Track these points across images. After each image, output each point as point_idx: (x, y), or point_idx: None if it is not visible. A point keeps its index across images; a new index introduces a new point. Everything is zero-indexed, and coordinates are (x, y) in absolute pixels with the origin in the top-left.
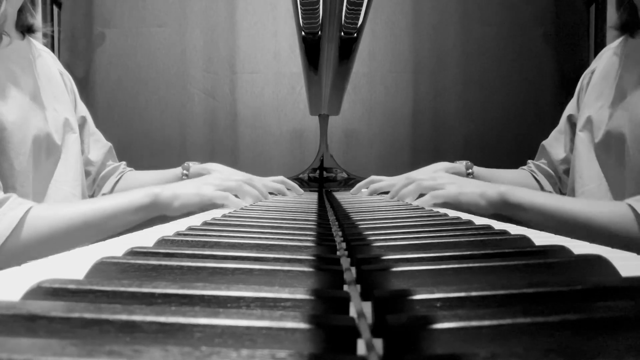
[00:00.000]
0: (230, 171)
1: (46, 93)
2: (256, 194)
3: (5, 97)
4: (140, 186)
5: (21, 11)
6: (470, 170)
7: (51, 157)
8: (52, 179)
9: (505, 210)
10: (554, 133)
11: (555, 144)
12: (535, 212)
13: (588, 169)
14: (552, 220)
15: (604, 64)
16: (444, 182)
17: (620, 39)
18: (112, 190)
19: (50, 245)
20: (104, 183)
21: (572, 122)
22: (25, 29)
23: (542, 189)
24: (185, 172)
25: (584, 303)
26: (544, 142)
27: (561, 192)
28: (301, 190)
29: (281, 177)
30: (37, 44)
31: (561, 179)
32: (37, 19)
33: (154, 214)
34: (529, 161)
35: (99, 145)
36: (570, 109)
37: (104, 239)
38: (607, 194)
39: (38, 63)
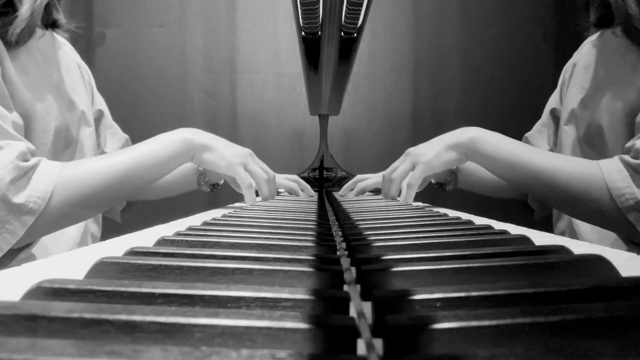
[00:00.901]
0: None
1: (66, 86)
2: (293, 186)
3: (33, 87)
4: (160, 182)
5: (47, 5)
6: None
7: (67, 150)
8: None
9: (476, 159)
10: (537, 126)
11: (538, 136)
12: (505, 163)
13: None
14: (524, 175)
15: (584, 57)
16: (408, 164)
17: (598, 32)
18: None
19: (92, 201)
20: None
21: (554, 116)
22: (50, 23)
23: None
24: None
25: (583, 303)
26: (527, 135)
27: None
28: (312, 192)
29: (295, 176)
30: (57, 36)
31: None
32: (61, 15)
33: (186, 160)
34: None
35: (115, 139)
36: (552, 102)
37: (142, 188)
38: None
39: (60, 55)
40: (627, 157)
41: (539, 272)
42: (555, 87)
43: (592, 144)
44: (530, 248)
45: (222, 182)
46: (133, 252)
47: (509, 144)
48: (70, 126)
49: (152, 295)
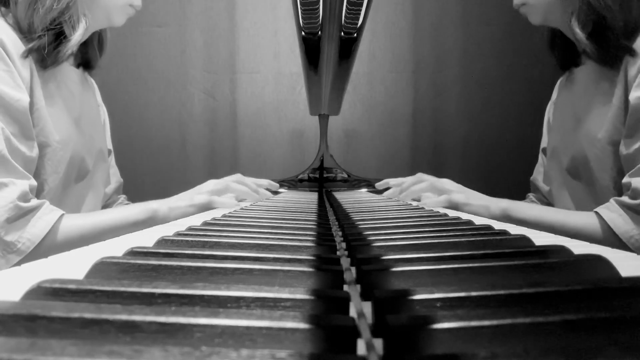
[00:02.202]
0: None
1: (87, 121)
2: (245, 190)
3: (56, 116)
4: None
5: (85, 44)
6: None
7: (81, 182)
8: (84, 204)
9: (507, 223)
10: (536, 168)
11: (539, 178)
12: (537, 226)
13: (559, 195)
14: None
15: (559, 96)
16: (452, 188)
17: (568, 72)
18: None
19: (73, 247)
20: None
21: (545, 154)
22: (83, 62)
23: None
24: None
25: (583, 303)
26: (531, 178)
27: None
28: (276, 186)
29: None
30: (87, 76)
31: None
32: (97, 58)
33: (149, 227)
34: (529, 194)
35: (114, 180)
36: (543, 142)
37: None
38: None
39: (85, 91)
40: (623, 199)
41: (539, 272)
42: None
43: (578, 175)
44: (530, 248)
45: None
46: (133, 252)
47: (541, 209)
48: (86, 158)
49: (152, 295)
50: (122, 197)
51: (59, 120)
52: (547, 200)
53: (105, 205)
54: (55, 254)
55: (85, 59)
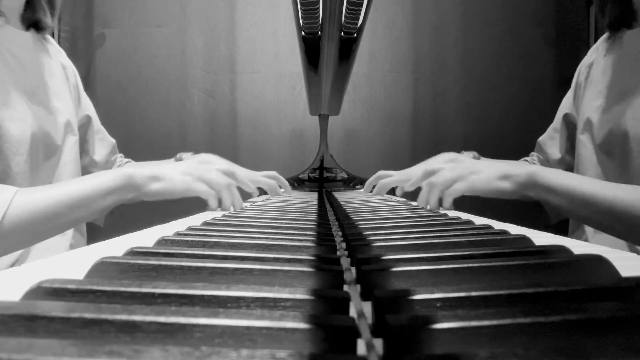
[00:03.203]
0: (222, 162)
1: (48, 91)
2: (228, 205)
3: (3, 91)
4: None
5: (30, 3)
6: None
7: (51, 159)
8: (48, 180)
9: (532, 192)
10: (549, 131)
11: (550, 142)
12: (567, 196)
13: (590, 173)
14: (586, 207)
15: (601, 59)
16: (456, 174)
17: (615, 34)
18: None
19: (28, 234)
20: None
21: (568, 121)
22: (32, 23)
23: None
24: None
25: (584, 303)
26: (540, 139)
27: None
28: (290, 189)
29: (273, 173)
30: (43, 36)
31: None
32: (48, 18)
33: (127, 195)
34: (533, 153)
35: (104, 144)
36: (566, 106)
37: (83, 223)
38: None
39: (41, 58)
40: None
41: (539, 272)
42: (555, 87)
43: (612, 153)
44: (530, 248)
45: None
46: (133, 252)
47: (571, 177)
48: (51, 134)
49: (152, 295)
50: (119, 156)
51: (8, 95)
52: (548, 166)
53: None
54: (23, 234)
55: (34, 20)
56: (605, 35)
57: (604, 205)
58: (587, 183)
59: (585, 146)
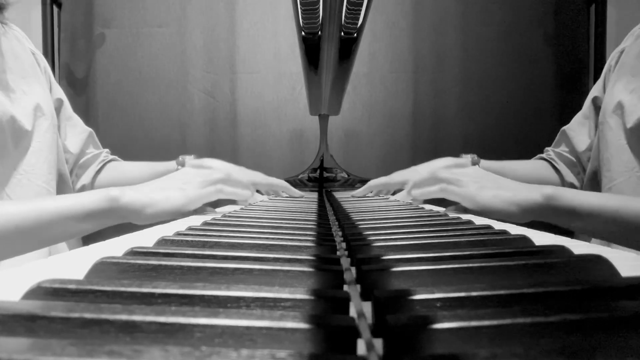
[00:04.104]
0: (229, 168)
1: (12, 74)
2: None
3: None
4: (126, 179)
5: None
6: (476, 166)
7: (20, 145)
8: (20, 168)
9: (548, 217)
10: (577, 117)
11: (579, 129)
12: (593, 217)
13: (617, 159)
14: (617, 227)
15: (634, 44)
16: (467, 180)
17: None
18: (92, 181)
19: None
20: (83, 173)
21: (596, 105)
22: None
23: (562, 180)
24: (180, 167)
25: (583, 303)
26: (565, 128)
27: (583, 183)
28: (298, 194)
29: (285, 184)
30: (7, 24)
31: (585, 169)
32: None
33: (114, 221)
34: (548, 149)
35: (76, 131)
36: (595, 90)
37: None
38: (637, 189)
39: (2, 41)
40: None
41: (539, 272)
42: (555, 87)
43: None
44: (530, 248)
45: None
46: (133, 252)
47: (591, 195)
48: (19, 118)
49: (152, 295)
50: (105, 152)
51: None
52: (573, 160)
53: (82, 164)
54: None
55: None
56: (636, 27)
57: (635, 217)
58: (611, 198)
59: (613, 130)
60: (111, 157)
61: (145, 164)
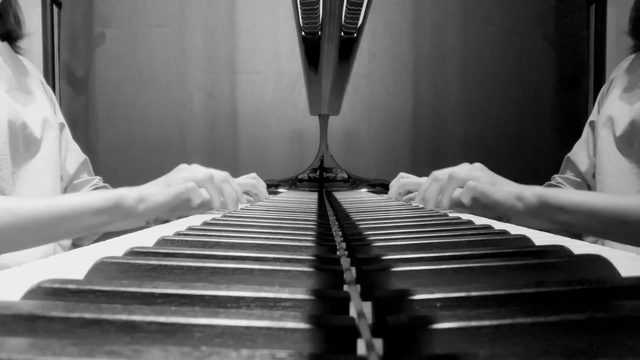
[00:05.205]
0: (200, 168)
1: (23, 90)
2: (216, 200)
3: None
4: None
5: (2, 15)
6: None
7: (29, 150)
8: (30, 170)
9: (544, 213)
10: (578, 143)
11: (579, 151)
12: (579, 213)
13: (608, 163)
14: (601, 221)
15: (623, 73)
16: (478, 175)
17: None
18: None
19: (8, 240)
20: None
21: (593, 127)
22: (3, 34)
23: None
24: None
25: (584, 303)
26: (569, 154)
27: None
28: (266, 195)
29: (253, 174)
30: (21, 57)
31: (590, 187)
32: (20, 28)
33: (117, 218)
34: (555, 176)
35: (74, 155)
36: (592, 116)
37: (69, 239)
38: (626, 187)
39: (18, 64)
40: None
41: (539, 272)
42: (555, 87)
43: (631, 141)
44: (530, 248)
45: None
46: (133, 252)
47: (580, 193)
48: (29, 124)
49: (152, 295)
50: (97, 179)
51: None
52: (579, 180)
53: (75, 186)
54: (3, 239)
55: (7, 30)
56: (625, 59)
57: (621, 213)
58: (598, 196)
59: (604, 140)
60: (102, 184)
61: None
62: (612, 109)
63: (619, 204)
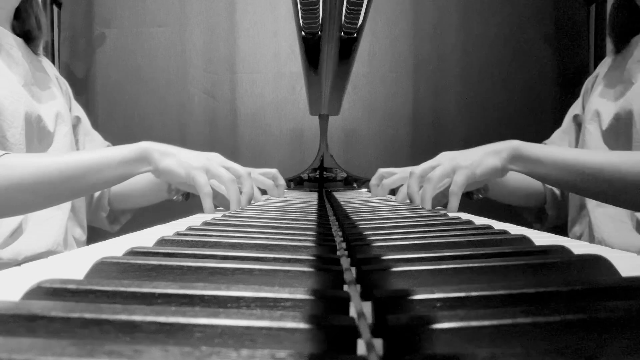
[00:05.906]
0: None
1: (38, 86)
2: (236, 199)
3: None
4: (133, 189)
5: (20, 13)
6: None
7: (43, 142)
8: None
9: (519, 165)
10: (557, 133)
11: (559, 143)
12: (553, 164)
13: None
14: (573, 172)
15: (607, 68)
16: (448, 167)
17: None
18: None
19: (26, 195)
20: None
21: (577, 122)
22: (22, 33)
23: (545, 189)
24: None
25: (584, 303)
26: (547, 142)
27: (566, 194)
28: (283, 194)
29: (274, 171)
30: (36, 51)
31: None
32: (36, 30)
33: (139, 169)
34: None
35: (95, 144)
36: (575, 109)
37: (93, 191)
38: None
39: (34, 63)
40: None
41: (539, 272)
42: (555, 87)
43: (617, 135)
44: (530, 248)
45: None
46: (133, 252)
47: (554, 148)
48: (43, 117)
49: (152, 295)
50: None
51: (2, 72)
52: None
53: None
54: (11, 199)
55: (25, 29)
56: (612, 52)
57: (592, 168)
58: (571, 150)
59: (592, 134)
60: None
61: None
62: (598, 103)
63: (592, 160)
